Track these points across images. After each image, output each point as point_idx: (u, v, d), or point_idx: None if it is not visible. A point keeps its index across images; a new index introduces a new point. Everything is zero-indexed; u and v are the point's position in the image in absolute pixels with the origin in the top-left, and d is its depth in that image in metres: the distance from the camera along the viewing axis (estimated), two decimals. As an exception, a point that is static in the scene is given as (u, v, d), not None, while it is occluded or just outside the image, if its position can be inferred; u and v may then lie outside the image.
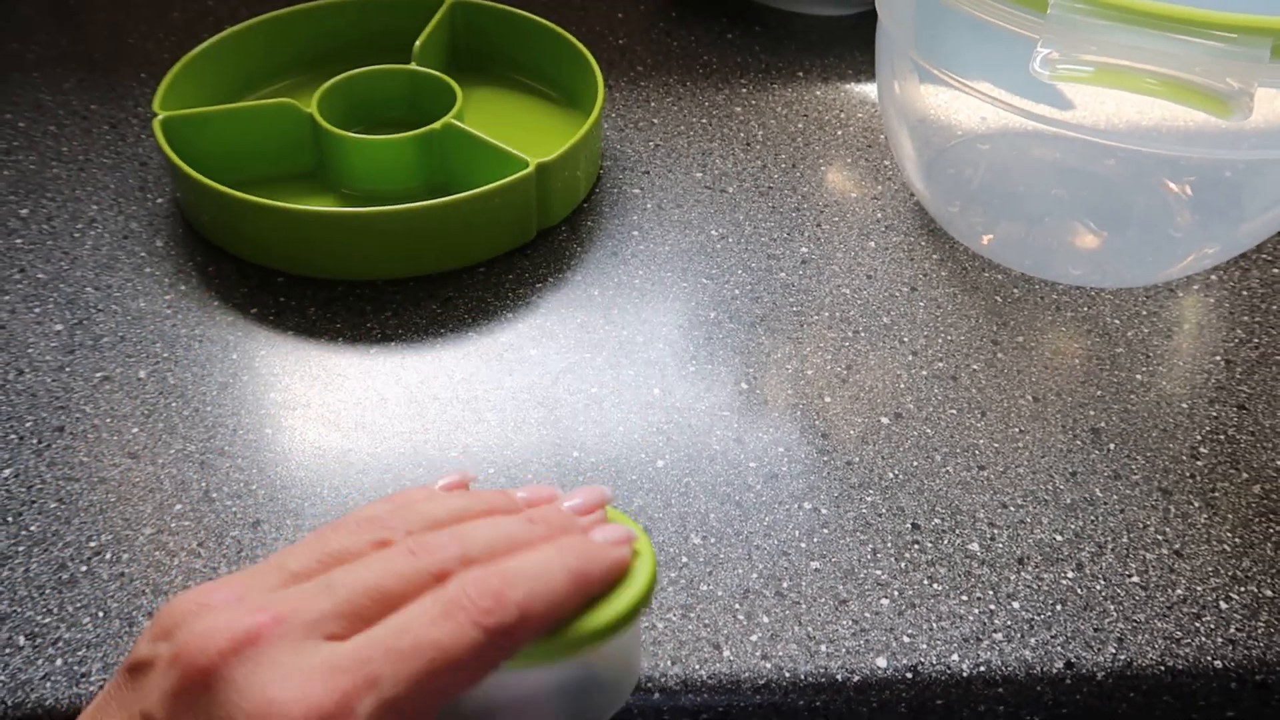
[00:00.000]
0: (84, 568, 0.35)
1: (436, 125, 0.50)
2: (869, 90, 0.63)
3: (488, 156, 0.49)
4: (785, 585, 0.35)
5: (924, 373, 0.44)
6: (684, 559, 0.36)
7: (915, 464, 0.40)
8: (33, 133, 0.55)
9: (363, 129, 0.50)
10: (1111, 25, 0.36)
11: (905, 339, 0.45)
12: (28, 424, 0.40)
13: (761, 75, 0.64)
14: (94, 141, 0.54)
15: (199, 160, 0.47)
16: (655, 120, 0.59)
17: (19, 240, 0.48)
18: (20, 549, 0.36)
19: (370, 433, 0.40)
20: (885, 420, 0.42)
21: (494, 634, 0.22)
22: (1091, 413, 0.42)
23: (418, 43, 0.55)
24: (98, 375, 0.42)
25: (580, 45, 0.55)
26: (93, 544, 0.36)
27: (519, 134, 0.53)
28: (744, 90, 0.62)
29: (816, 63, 0.65)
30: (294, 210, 0.44)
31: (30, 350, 0.43)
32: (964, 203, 0.54)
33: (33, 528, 0.36)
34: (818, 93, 0.62)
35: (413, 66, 0.54)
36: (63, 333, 0.43)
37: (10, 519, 0.36)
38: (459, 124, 0.50)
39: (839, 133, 0.59)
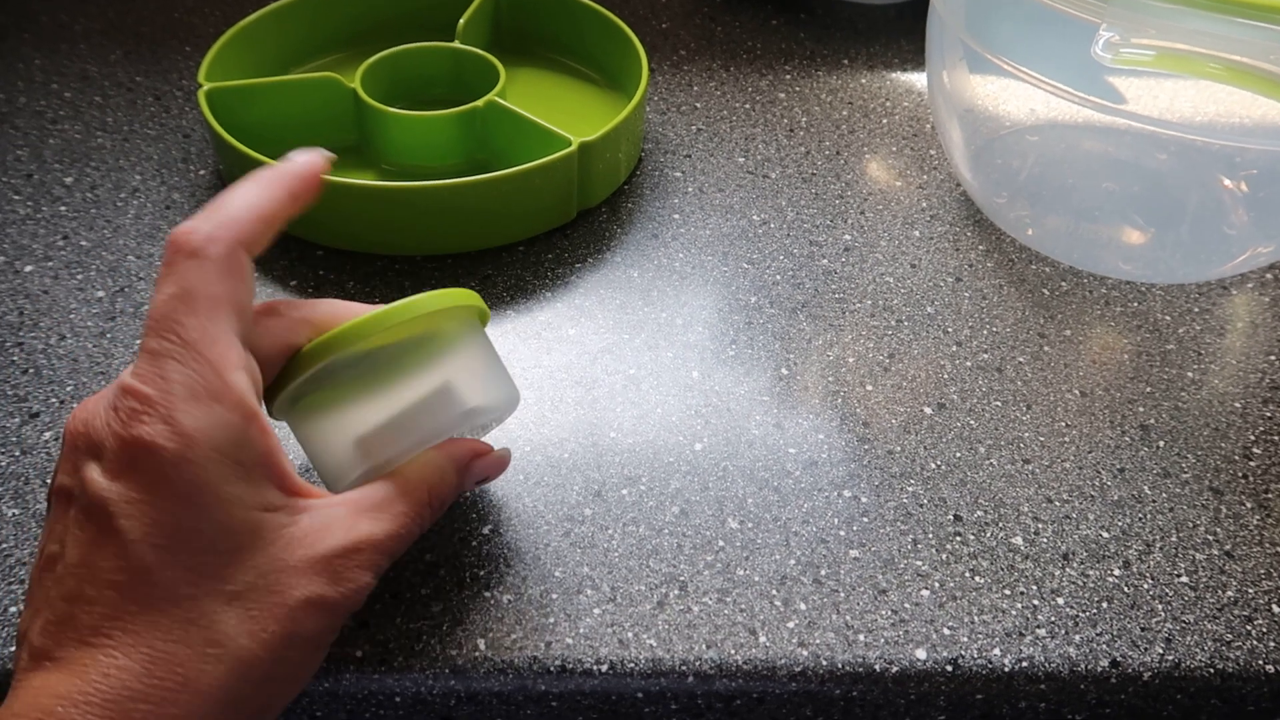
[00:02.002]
0: (120, 532, 0.35)
1: (479, 103, 0.49)
2: (915, 79, 0.62)
3: (530, 135, 0.48)
4: (824, 573, 0.35)
5: (968, 364, 0.43)
6: (720, 543, 0.36)
7: (958, 455, 0.39)
8: (79, 103, 0.55)
9: (405, 105, 0.50)
10: (1177, 8, 0.35)
11: (949, 329, 0.45)
12: (69, 388, 0.40)
13: (806, 62, 0.63)
14: (139, 113, 0.55)
15: (242, 132, 0.47)
16: (698, 105, 0.58)
17: (63, 208, 0.48)
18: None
19: (407, 407, 0.40)
20: (928, 410, 0.41)
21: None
22: (1141, 409, 0.41)
23: (461, 21, 0.54)
24: (138, 343, 0.42)
25: (625, 27, 0.55)
26: (129, 509, 0.36)
27: (561, 114, 0.53)
28: (788, 77, 0.61)
29: (862, 50, 0.64)
30: (335, 183, 0.44)
31: (72, 316, 0.43)
32: (1011, 194, 0.53)
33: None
34: (863, 80, 0.61)
35: (456, 45, 0.54)
36: (104, 299, 0.44)
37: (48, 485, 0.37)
38: (502, 102, 0.49)
39: (884, 121, 0.58)
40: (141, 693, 0.24)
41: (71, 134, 0.53)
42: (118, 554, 0.25)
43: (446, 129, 0.49)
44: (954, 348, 0.44)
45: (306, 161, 0.31)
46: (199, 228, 0.27)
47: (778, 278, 0.47)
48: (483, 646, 0.32)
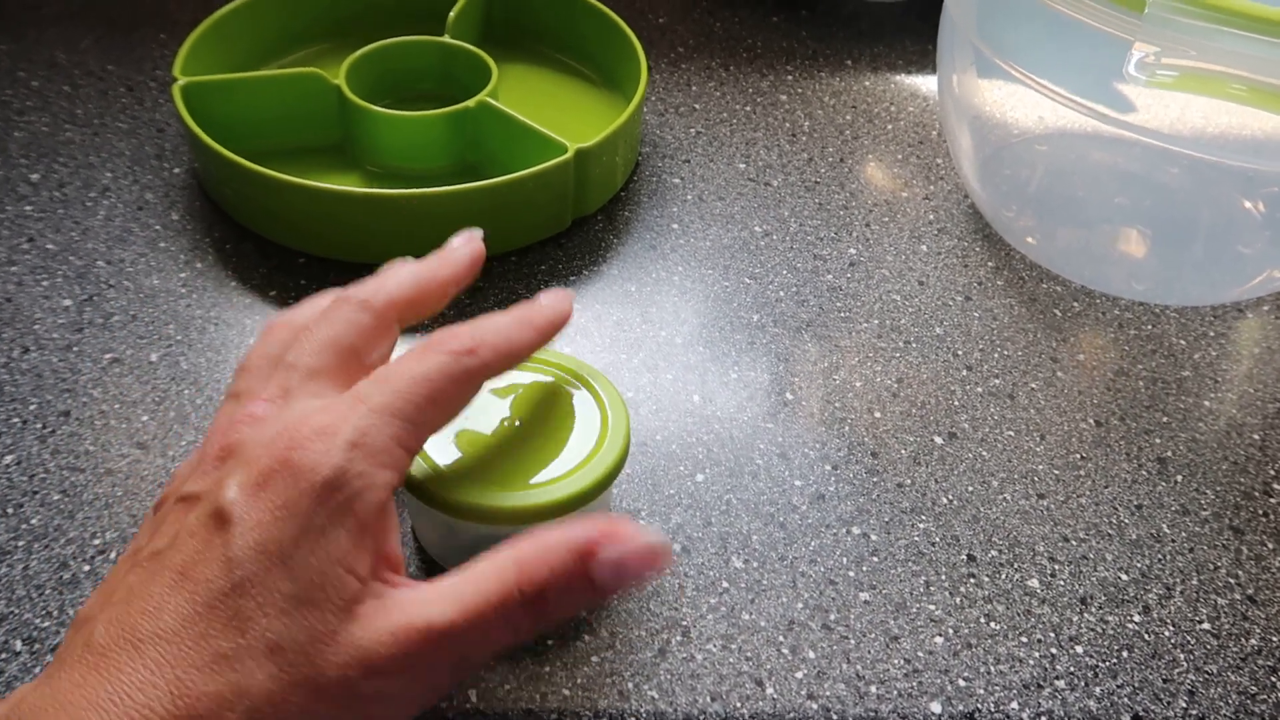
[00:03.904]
0: (87, 567, 0.33)
1: (470, 103, 0.47)
2: (920, 82, 0.60)
3: (524, 139, 0.46)
4: (833, 617, 0.33)
5: (979, 389, 0.41)
6: (725, 584, 0.34)
7: (970, 489, 0.38)
8: (47, 92, 0.52)
9: (391, 103, 0.48)
10: (1215, 27, 0.34)
11: (959, 352, 0.43)
12: (32, 407, 0.37)
13: (808, 62, 0.61)
14: (110, 105, 0.52)
15: (219, 129, 0.44)
16: (696, 106, 0.56)
17: (28, 207, 0.45)
18: (20, 544, 0.33)
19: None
20: (938, 440, 0.39)
21: (462, 356, 0.27)
22: (1157, 440, 0.40)
23: (452, 14, 0.52)
24: (106, 356, 0.39)
25: (623, 24, 0.52)
26: (97, 541, 0.34)
27: (556, 115, 0.51)
28: (790, 78, 0.59)
29: (866, 51, 0.62)
30: (320, 189, 0.42)
31: (37, 327, 0.40)
32: (1020, 206, 0.51)
33: (34, 521, 0.34)
34: (867, 83, 0.60)
35: (446, 39, 0.51)
36: (71, 309, 0.41)
37: (10, 510, 0.34)
38: (494, 103, 0.47)
39: (889, 127, 0.56)
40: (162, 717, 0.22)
41: (39, 126, 0.50)
42: (219, 562, 0.24)
43: (435, 130, 0.47)
44: (964, 372, 0.42)
45: (471, 251, 0.33)
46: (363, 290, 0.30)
47: (781, 294, 0.45)
48: (474, 698, 0.30)
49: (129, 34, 0.57)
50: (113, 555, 0.33)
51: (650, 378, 0.40)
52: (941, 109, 0.52)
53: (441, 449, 0.31)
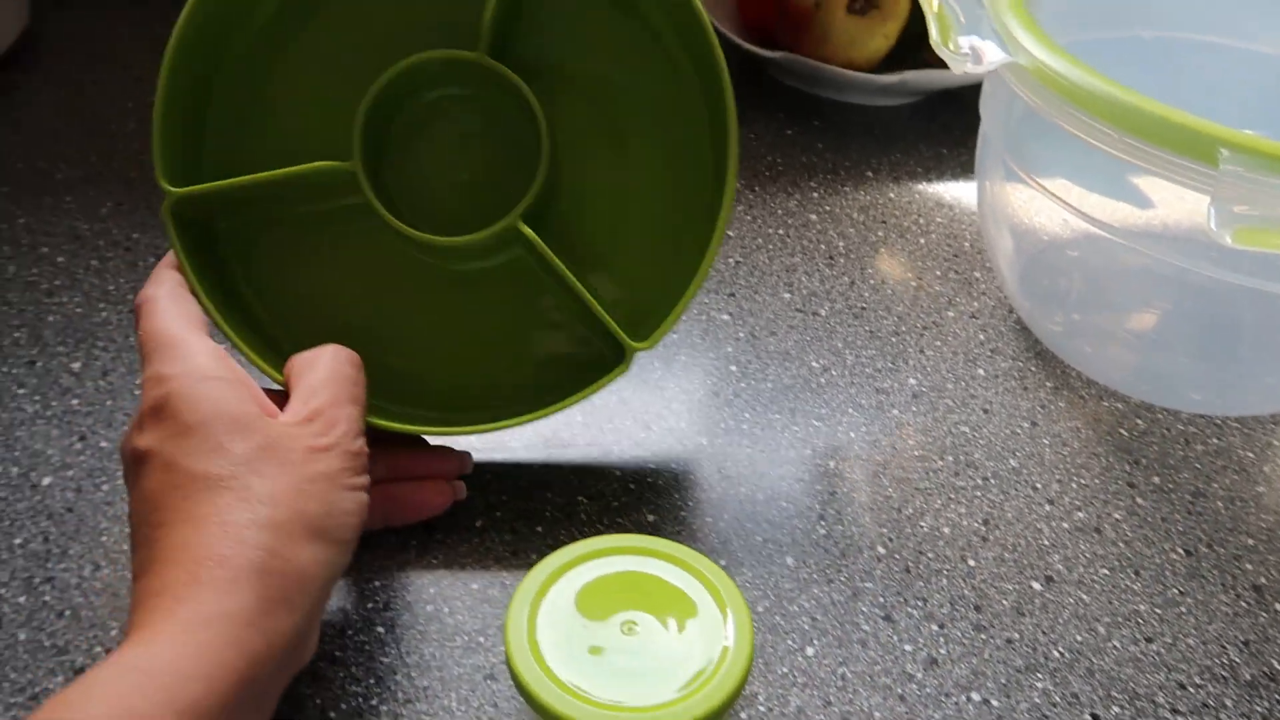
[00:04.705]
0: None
1: (513, 223, 0.38)
2: (942, 190, 0.61)
3: (572, 301, 0.40)
4: (972, 799, 0.32)
5: (1065, 525, 0.41)
6: (856, 770, 0.33)
7: (1079, 638, 0.37)
8: (74, 269, 0.51)
9: (415, 114, 0.40)
10: (1293, 182, 0.34)
11: (1038, 485, 0.43)
12: (113, 632, 0.36)
13: (830, 176, 0.61)
14: (141, 277, 0.51)
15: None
16: (730, 232, 0.56)
17: (74, 401, 0.44)
18: None
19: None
20: (1036, 585, 0.39)
21: None
22: (1248, 566, 0.40)
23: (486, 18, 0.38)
24: (182, 566, 0.38)
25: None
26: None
27: (607, 209, 0.41)
28: (815, 195, 0.60)
29: (884, 160, 0.63)
30: (380, 425, 0.38)
31: (104, 539, 0.39)
32: (1064, 320, 0.52)
33: None
34: (891, 195, 0.60)
35: (483, 58, 0.38)
36: (136, 514, 0.40)
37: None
38: (543, 249, 0.38)
39: (921, 241, 0.57)
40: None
41: (71, 308, 0.49)
42: None
43: (474, 243, 0.39)
44: (1046, 507, 0.42)
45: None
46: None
47: (852, 435, 0.45)
48: None
49: (148, 195, 0.56)
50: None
51: (740, 542, 0.40)
52: (981, 223, 0.53)
53: (558, 651, 0.30)
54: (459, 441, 0.42)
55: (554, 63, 0.40)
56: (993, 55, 0.40)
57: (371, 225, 0.39)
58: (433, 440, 0.41)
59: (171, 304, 0.34)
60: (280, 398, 0.34)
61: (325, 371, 0.34)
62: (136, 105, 0.64)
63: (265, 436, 0.31)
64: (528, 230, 0.39)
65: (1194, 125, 0.37)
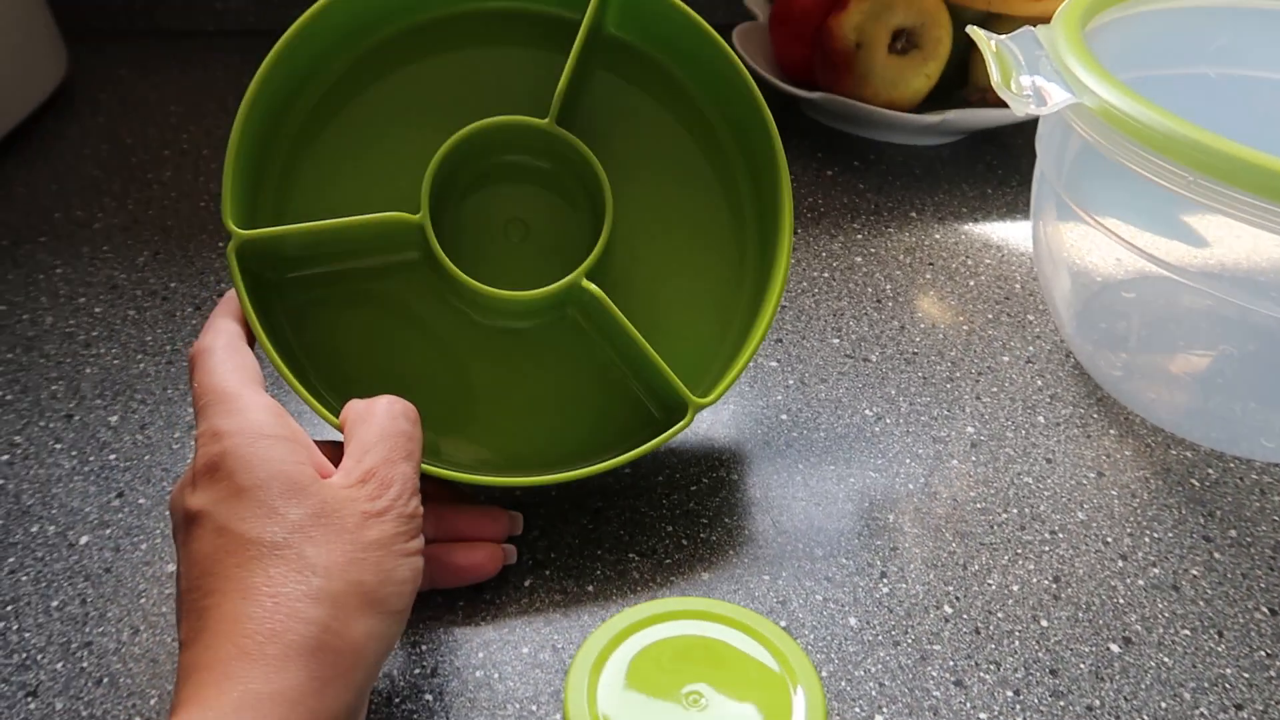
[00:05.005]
0: None
1: (577, 280, 0.39)
2: (989, 231, 0.60)
3: (637, 358, 0.40)
4: None
5: (1140, 582, 0.39)
6: None
7: (1164, 705, 0.35)
8: (112, 319, 0.50)
9: (479, 177, 0.40)
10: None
11: (1109, 539, 0.41)
12: (152, 700, 0.34)
13: (873, 218, 0.60)
14: (179, 327, 0.50)
15: (282, 261, 0.39)
16: (774, 276, 0.55)
17: (112, 455, 0.43)
18: None
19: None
20: (1114, 648, 0.37)
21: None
22: (1338, 626, 0.38)
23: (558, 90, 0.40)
24: (222, 629, 0.37)
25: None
26: None
27: (658, 285, 0.42)
28: (859, 236, 0.58)
29: (927, 200, 0.62)
30: (431, 471, 0.38)
31: (143, 600, 0.37)
32: (1125, 363, 0.50)
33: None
34: (936, 236, 0.59)
35: (549, 125, 0.39)
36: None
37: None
38: (605, 304, 0.39)
39: (971, 283, 0.55)
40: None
41: (109, 359, 0.48)
42: None
43: (535, 303, 0.40)
44: (1120, 563, 0.40)
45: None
46: None
47: (911, 488, 0.43)
48: None
49: (185, 244, 0.56)
50: None
51: (800, 601, 0.38)
52: (1037, 263, 0.51)
53: (614, 703, 0.28)
54: (510, 496, 0.41)
55: (612, 132, 0.41)
56: (1058, 96, 0.39)
57: (425, 281, 0.40)
58: (482, 484, 0.39)
59: (228, 356, 0.33)
60: (336, 449, 0.33)
61: (379, 427, 0.33)
62: (173, 154, 0.63)
63: (320, 501, 0.30)
64: (591, 286, 0.39)
65: (1270, 165, 0.35)
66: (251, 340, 0.36)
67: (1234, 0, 0.50)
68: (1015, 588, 0.39)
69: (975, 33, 0.43)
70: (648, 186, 0.42)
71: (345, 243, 0.39)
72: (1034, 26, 0.44)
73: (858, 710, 0.35)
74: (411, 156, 0.39)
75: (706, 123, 0.42)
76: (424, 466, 0.36)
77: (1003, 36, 0.43)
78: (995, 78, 0.40)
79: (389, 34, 0.40)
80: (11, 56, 0.63)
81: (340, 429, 0.35)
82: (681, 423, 0.39)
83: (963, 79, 0.68)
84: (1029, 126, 0.68)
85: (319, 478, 0.31)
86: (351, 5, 0.39)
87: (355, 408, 0.34)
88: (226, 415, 0.31)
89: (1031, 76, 0.40)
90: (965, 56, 0.67)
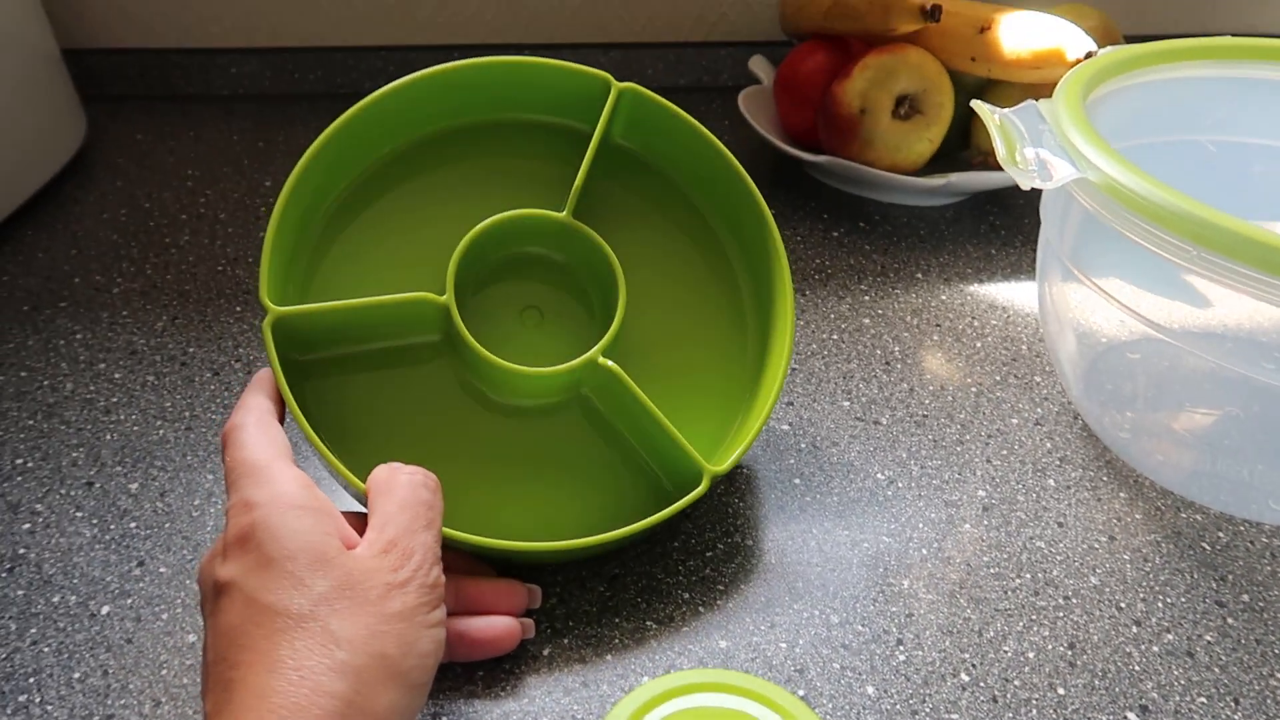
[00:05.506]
0: None
1: (588, 358, 0.41)
2: (994, 292, 0.61)
3: (651, 429, 0.42)
4: None
5: (1154, 649, 0.40)
6: None
7: (1182, 775, 0.35)
8: (131, 386, 0.51)
9: (497, 267, 0.43)
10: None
11: (1122, 605, 0.41)
12: (173, 775, 0.34)
13: (880, 279, 0.61)
14: (198, 393, 0.51)
15: (304, 343, 0.40)
16: (784, 338, 0.56)
17: (132, 524, 0.43)
18: None
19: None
20: (1132, 716, 0.37)
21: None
22: (1353, 693, 0.38)
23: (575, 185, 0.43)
24: (243, 701, 0.37)
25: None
26: None
27: (668, 361, 0.44)
28: (866, 298, 0.59)
29: (933, 261, 0.63)
30: (452, 537, 0.39)
31: (164, 673, 0.38)
32: (1132, 425, 0.50)
33: None
34: (943, 296, 0.60)
35: (566, 218, 0.43)
36: (196, 645, 0.39)
37: None
38: (622, 377, 0.41)
39: (978, 344, 0.56)
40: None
41: (128, 426, 0.48)
42: None
43: (553, 380, 0.42)
44: (1134, 629, 0.40)
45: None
46: None
47: (924, 552, 0.43)
48: None
49: (203, 309, 0.56)
50: None
51: (818, 669, 0.38)
52: (1043, 321, 0.52)
53: None
54: (527, 566, 0.41)
55: (618, 225, 0.45)
56: (1062, 171, 0.40)
57: (445, 362, 0.43)
58: (502, 550, 0.39)
59: (259, 432, 0.34)
60: (362, 520, 0.34)
61: (400, 497, 0.34)
62: (190, 218, 0.64)
63: (345, 573, 0.30)
64: (608, 362, 0.42)
65: (1271, 241, 0.36)
66: (281, 417, 0.37)
67: (1234, 71, 0.51)
68: (1031, 655, 0.39)
69: (980, 107, 0.44)
70: (653, 273, 0.45)
71: (372, 323, 0.41)
72: (1036, 100, 0.45)
73: (878, 782, 0.35)
74: (434, 245, 0.42)
75: (700, 217, 0.46)
76: (445, 531, 0.37)
77: (1006, 110, 0.44)
78: (1000, 152, 0.41)
79: (430, 132, 0.44)
80: (35, 123, 0.65)
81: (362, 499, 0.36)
82: (697, 490, 0.40)
83: (965, 142, 0.70)
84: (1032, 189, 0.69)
85: (344, 549, 0.31)
86: (399, 100, 0.42)
87: (378, 477, 0.35)
88: (257, 486, 0.32)
89: (1035, 150, 0.41)
90: (967, 121, 0.69)
